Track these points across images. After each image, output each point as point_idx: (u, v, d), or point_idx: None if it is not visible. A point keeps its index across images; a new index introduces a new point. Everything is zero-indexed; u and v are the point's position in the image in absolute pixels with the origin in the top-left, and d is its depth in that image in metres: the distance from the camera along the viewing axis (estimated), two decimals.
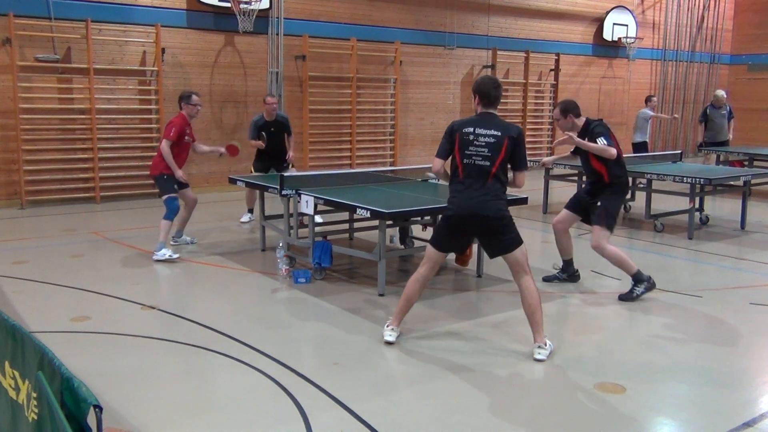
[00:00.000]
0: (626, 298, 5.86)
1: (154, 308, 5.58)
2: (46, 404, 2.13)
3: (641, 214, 9.24)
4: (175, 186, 7.37)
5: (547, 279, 6.45)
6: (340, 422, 3.65)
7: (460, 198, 4.58)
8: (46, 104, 10.35)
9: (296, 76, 12.61)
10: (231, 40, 11.87)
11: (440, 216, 5.02)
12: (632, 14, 17.59)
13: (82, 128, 10.67)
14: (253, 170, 9.42)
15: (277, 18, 12.01)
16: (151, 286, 6.37)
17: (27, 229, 8.94)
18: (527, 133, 16.19)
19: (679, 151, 11.26)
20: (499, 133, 4.53)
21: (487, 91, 4.63)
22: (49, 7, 10.16)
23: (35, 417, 2.26)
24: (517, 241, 4.60)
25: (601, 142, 5.75)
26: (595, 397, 4.02)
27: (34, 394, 2.27)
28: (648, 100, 13.44)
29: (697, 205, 9.01)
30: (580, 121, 6.05)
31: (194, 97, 7.46)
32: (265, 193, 7.64)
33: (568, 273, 6.47)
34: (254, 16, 11.36)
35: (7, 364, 2.58)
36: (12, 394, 2.55)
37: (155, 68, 11.11)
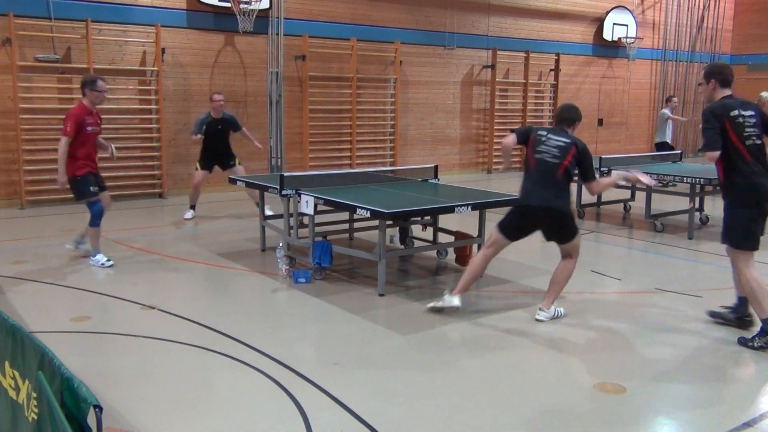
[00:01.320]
0: (743, 342, 4.82)
1: (154, 308, 5.57)
2: (46, 404, 2.13)
3: (641, 214, 9.24)
4: (93, 188, 6.74)
5: (713, 315, 5.38)
6: (340, 422, 3.65)
7: (532, 190, 5.22)
8: (46, 104, 10.35)
9: (296, 76, 12.61)
10: (231, 40, 11.87)
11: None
12: (632, 14, 17.59)
13: None
14: (198, 167, 9.53)
15: (277, 18, 12.01)
16: (151, 286, 6.37)
17: (27, 229, 8.94)
18: None
19: (679, 151, 11.26)
20: (569, 141, 5.20)
21: (559, 113, 5.43)
22: (49, 7, 10.16)
23: (35, 417, 2.26)
24: (574, 233, 5.30)
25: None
26: (595, 397, 4.02)
27: (34, 394, 2.27)
28: (668, 100, 13.32)
29: (697, 205, 9.01)
30: (721, 93, 4.94)
31: (100, 82, 6.75)
32: (266, 193, 7.63)
33: (739, 315, 5.22)
34: (254, 16, 11.36)
35: (7, 364, 2.58)
36: (12, 394, 2.55)
37: (155, 68, 11.11)
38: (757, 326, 4.84)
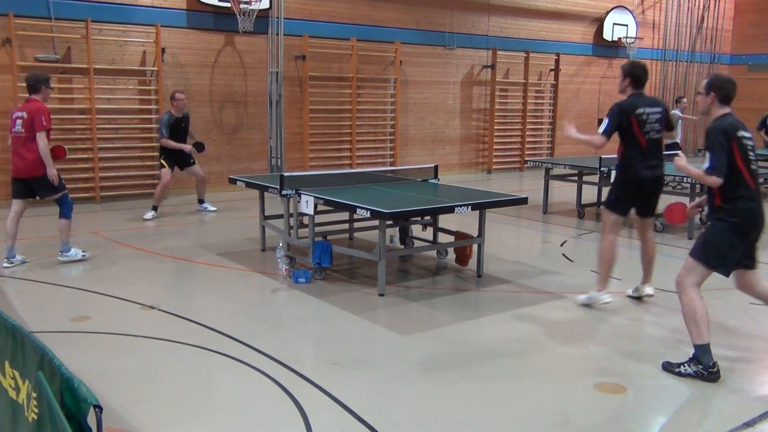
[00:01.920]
0: (668, 367, 4.43)
1: (154, 308, 5.57)
2: (46, 404, 2.12)
3: None
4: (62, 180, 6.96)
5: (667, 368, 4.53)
6: (340, 422, 3.65)
7: (642, 166, 5.57)
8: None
9: (296, 76, 12.61)
10: (231, 40, 11.87)
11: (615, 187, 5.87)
12: (632, 14, 17.59)
13: (82, 128, 10.68)
14: (165, 165, 9.73)
15: (277, 18, 12.01)
16: (151, 286, 6.37)
17: (27, 229, 8.93)
18: (527, 132, 16.21)
19: (679, 151, 11.26)
20: (660, 108, 5.63)
21: (644, 74, 5.66)
22: (49, 7, 10.16)
23: (35, 417, 2.25)
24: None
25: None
26: (595, 397, 4.02)
27: (34, 394, 2.27)
28: (678, 101, 13.13)
29: None
30: (720, 110, 4.47)
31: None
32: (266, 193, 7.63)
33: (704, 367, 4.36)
34: (254, 16, 11.36)
35: (7, 364, 2.58)
36: (12, 394, 2.55)
37: (155, 68, 11.11)
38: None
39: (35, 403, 2.26)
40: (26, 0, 10.02)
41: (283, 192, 6.56)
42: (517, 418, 3.76)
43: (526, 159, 15.01)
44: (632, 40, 17.27)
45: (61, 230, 7.05)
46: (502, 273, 6.75)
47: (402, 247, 7.48)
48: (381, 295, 5.93)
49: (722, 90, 4.41)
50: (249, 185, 7.93)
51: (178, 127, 9.61)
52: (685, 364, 4.33)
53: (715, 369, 4.24)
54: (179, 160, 9.78)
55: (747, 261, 4.46)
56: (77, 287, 6.16)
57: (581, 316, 5.62)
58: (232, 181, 8.10)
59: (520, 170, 16.12)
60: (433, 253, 7.36)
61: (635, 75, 5.59)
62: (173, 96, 9.67)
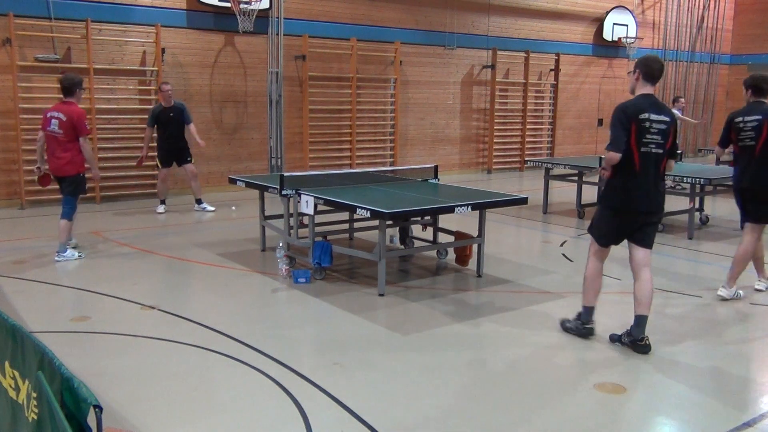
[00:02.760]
0: (562, 324, 5.10)
1: (154, 308, 5.57)
2: (46, 404, 2.12)
3: None
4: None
5: (612, 339, 4.94)
6: (340, 422, 3.65)
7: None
8: (46, 104, 10.31)
9: (296, 76, 12.61)
10: (231, 40, 11.87)
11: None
12: (632, 14, 17.59)
13: None
14: (159, 165, 10.03)
15: (277, 18, 12.01)
16: (150, 286, 6.37)
17: (27, 229, 8.94)
18: (527, 132, 16.21)
19: (679, 152, 11.25)
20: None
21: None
22: (49, 7, 10.17)
23: (35, 417, 2.25)
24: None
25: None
26: (595, 397, 4.02)
27: (34, 394, 2.27)
28: (675, 101, 12.93)
29: (697, 205, 9.01)
30: (642, 89, 4.68)
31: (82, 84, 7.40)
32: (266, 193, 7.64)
33: (633, 338, 4.77)
34: (254, 16, 11.36)
35: (7, 364, 2.58)
36: (12, 394, 2.55)
37: (155, 68, 11.11)
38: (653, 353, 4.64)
39: (35, 403, 2.26)
40: (26, 0, 10.03)
41: (283, 192, 6.56)
42: (518, 418, 3.76)
43: (526, 159, 15.02)
44: (632, 40, 17.28)
45: (60, 231, 7.10)
46: (502, 273, 6.75)
47: (402, 247, 7.48)
48: (381, 295, 5.93)
49: (646, 67, 4.61)
50: (249, 185, 7.93)
51: (167, 118, 9.72)
52: (571, 320, 5.03)
53: (590, 326, 4.93)
54: (178, 155, 9.95)
55: (634, 238, 4.74)
56: (77, 287, 6.15)
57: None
58: (232, 181, 8.10)
59: (520, 170, 16.12)
60: (433, 253, 7.36)
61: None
62: (159, 87, 9.93)
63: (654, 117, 4.52)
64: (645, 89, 4.64)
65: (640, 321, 4.67)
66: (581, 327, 4.95)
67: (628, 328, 4.75)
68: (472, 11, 14.83)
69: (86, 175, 7.28)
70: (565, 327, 5.05)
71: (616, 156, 4.52)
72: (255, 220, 8.16)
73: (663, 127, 4.55)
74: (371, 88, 13.67)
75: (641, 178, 4.58)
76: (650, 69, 4.62)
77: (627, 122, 4.50)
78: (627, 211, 4.66)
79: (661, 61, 4.75)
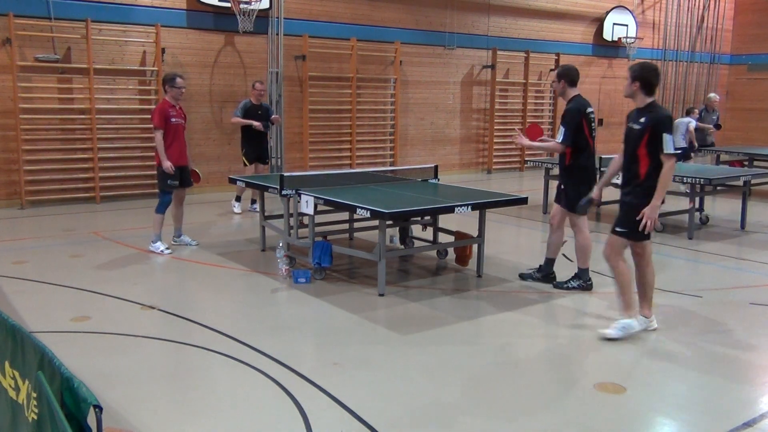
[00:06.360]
0: (558, 285, 6.18)
1: (154, 308, 5.57)
2: (46, 404, 2.12)
3: None
4: (171, 182, 7.33)
5: (522, 277, 6.49)
6: (340, 422, 3.65)
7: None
8: (46, 104, 10.35)
9: (296, 76, 12.61)
10: (231, 40, 11.87)
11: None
12: (632, 14, 17.59)
13: (82, 128, 10.67)
14: (246, 162, 9.83)
15: (277, 18, 12.01)
16: (151, 286, 6.37)
17: (27, 229, 8.94)
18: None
19: (680, 152, 11.25)
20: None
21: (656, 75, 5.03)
22: (49, 7, 10.16)
23: (35, 417, 2.25)
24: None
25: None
26: (595, 397, 4.02)
27: (34, 394, 2.27)
28: (689, 112, 12.81)
29: (697, 205, 9.01)
30: (571, 92, 6.00)
31: (178, 79, 7.41)
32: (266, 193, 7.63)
33: (543, 273, 6.40)
34: (254, 16, 11.36)
35: (7, 364, 2.58)
36: (12, 394, 2.55)
37: (155, 68, 11.11)
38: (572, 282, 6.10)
39: (35, 403, 2.26)
40: (26, 0, 10.02)
41: (283, 192, 6.56)
42: (518, 418, 3.76)
43: (526, 159, 15.01)
44: (632, 40, 17.27)
45: (154, 222, 7.46)
46: (502, 273, 6.75)
47: (402, 247, 7.48)
48: (381, 295, 5.93)
49: (569, 76, 5.89)
50: (249, 185, 7.94)
51: (255, 116, 9.75)
52: (571, 281, 6.10)
53: (590, 281, 6.09)
54: (262, 150, 10.00)
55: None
56: (77, 287, 6.15)
57: (580, 316, 5.62)
58: (232, 181, 8.10)
59: (520, 170, 16.12)
60: (433, 253, 7.36)
61: (646, 79, 4.81)
62: (253, 84, 10.01)
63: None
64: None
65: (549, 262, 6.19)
66: (585, 285, 6.06)
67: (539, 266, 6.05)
68: (472, 11, 14.83)
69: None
70: (568, 287, 6.06)
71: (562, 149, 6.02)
72: (255, 220, 8.15)
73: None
74: (371, 88, 13.67)
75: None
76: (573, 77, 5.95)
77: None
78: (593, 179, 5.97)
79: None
